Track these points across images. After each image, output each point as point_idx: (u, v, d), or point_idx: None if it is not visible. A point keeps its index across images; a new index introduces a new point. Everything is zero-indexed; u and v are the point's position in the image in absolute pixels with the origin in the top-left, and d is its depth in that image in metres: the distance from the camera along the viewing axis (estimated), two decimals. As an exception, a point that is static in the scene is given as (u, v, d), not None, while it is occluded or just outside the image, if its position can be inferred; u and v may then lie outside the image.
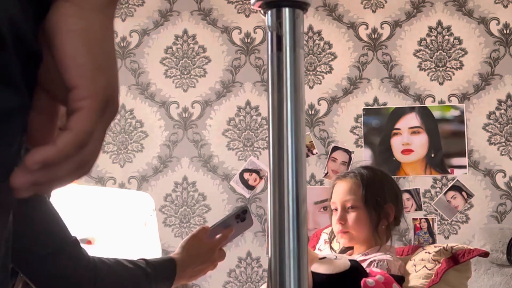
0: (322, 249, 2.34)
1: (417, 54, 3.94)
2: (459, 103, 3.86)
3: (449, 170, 3.81)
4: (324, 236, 2.39)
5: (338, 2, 4.01)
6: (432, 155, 3.83)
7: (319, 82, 3.98)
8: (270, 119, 0.79)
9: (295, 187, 0.77)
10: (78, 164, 0.57)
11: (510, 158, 3.80)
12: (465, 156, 3.81)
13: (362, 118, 3.91)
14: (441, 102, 3.88)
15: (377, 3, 4.00)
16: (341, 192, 2.18)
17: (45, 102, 0.59)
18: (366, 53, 3.97)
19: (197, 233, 1.71)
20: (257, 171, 3.95)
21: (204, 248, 1.69)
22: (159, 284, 1.61)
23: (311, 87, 3.98)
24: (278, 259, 0.76)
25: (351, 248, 2.21)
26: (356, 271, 1.92)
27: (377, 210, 2.13)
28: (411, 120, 3.87)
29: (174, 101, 4.06)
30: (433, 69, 3.92)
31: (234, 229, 1.70)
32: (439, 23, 3.95)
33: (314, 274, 1.90)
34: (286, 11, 0.79)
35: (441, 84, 3.90)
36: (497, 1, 3.91)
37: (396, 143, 3.86)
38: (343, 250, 2.23)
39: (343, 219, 2.14)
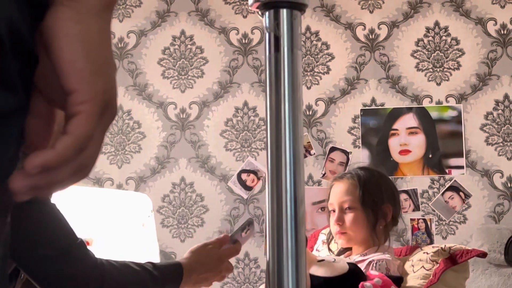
0: (320, 249, 2.35)
1: (415, 55, 3.95)
2: (456, 103, 3.87)
3: (446, 171, 3.81)
4: (322, 237, 2.39)
5: (335, 3, 4.02)
6: (430, 156, 3.83)
7: (316, 82, 3.99)
8: (268, 120, 0.79)
9: (293, 188, 0.77)
10: (77, 167, 0.57)
11: (508, 158, 3.80)
12: (462, 156, 3.81)
13: (359, 119, 3.91)
14: (439, 102, 3.88)
15: (375, 4, 4.00)
16: (338, 193, 2.18)
17: (42, 106, 0.59)
18: (364, 53, 3.97)
19: (211, 242, 1.74)
20: (255, 172, 3.95)
21: (213, 257, 1.71)
22: (165, 287, 1.62)
23: (308, 88, 3.98)
24: (276, 260, 0.76)
25: (350, 249, 2.22)
26: (354, 274, 1.93)
27: (374, 210, 2.13)
28: (409, 120, 3.87)
29: (171, 102, 4.06)
30: (431, 70, 3.92)
31: (241, 242, 1.76)
32: (437, 23, 3.95)
33: (312, 277, 1.90)
34: (283, 12, 0.79)
35: (438, 84, 3.90)
36: (494, 2, 3.91)
37: (394, 144, 3.86)
38: (342, 251, 2.24)
39: (340, 220, 2.15)
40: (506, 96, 3.84)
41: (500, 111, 3.84)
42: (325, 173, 3.89)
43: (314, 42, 4.02)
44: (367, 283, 1.87)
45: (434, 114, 3.86)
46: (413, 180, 3.83)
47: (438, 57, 3.92)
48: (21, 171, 0.54)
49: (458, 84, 3.89)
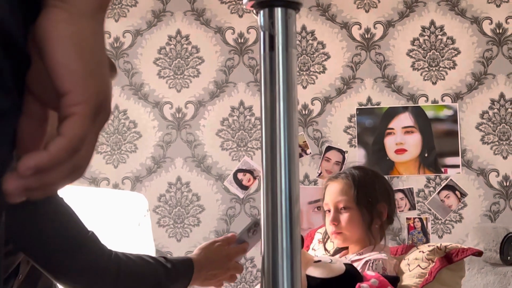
0: (316, 249, 2.35)
1: (410, 54, 3.95)
2: (452, 102, 3.87)
3: (442, 170, 3.82)
4: (318, 236, 2.39)
5: (331, 2, 4.02)
6: (426, 155, 3.83)
7: (312, 82, 3.99)
8: (263, 119, 0.79)
9: (288, 187, 0.77)
10: (71, 169, 0.57)
11: (503, 157, 3.81)
12: (458, 155, 3.81)
13: (355, 118, 3.91)
14: (434, 101, 3.88)
15: (370, 3, 4.00)
16: (333, 193, 2.18)
17: (35, 108, 0.59)
18: (359, 53, 3.98)
19: (220, 239, 1.77)
20: (251, 171, 3.95)
21: (221, 254, 1.74)
22: (177, 281, 1.64)
23: (304, 87, 3.98)
24: (271, 259, 0.76)
25: (346, 248, 2.22)
26: (351, 275, 1.93)
27: (369, 209, 2.13)
28: (405, 119, 3.88)
29: (167, 101, 4.05)
30: (426, 69, 3.92)
31: (248, 242, 1.78)
32: (432, 22, 3.96)
33: (309, 278, 1.90)
34: (278, 11, 0.79)
35: (434, 83, 3.91)
36: (489, 1, 3.92)
37: (390, 143, 3.86)
38: (338, 250, 2.24)
39: (336, 220, 2.15)
40: (501, 95, 3.85)
41: (495, 110, 3.84)
42: (321, 173, 3.89)
43: (310, 41, 4.02)
44: (364, 284, 1.87)
45: (430, 113, 3.87)
46: (409, 179, 3.84)
47: (434, 56, 3.93)
48: (14, 173, 0.54)
49: (454, 83, 3.89)
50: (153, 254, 2.50)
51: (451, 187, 3.81)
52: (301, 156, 3.90)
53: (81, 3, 0.57)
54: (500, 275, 3.31)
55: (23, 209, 1.27)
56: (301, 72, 3.99)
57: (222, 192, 3.95)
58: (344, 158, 3.89)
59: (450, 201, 3.80)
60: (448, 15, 3.95)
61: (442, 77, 3.91)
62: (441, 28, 3.95)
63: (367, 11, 4.00)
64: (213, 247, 1.74)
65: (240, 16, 4.08)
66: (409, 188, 3.82)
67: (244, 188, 3.93)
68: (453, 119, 3.85)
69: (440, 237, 3.77)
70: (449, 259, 2.07)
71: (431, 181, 3.82)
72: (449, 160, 3.82)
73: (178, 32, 4.11)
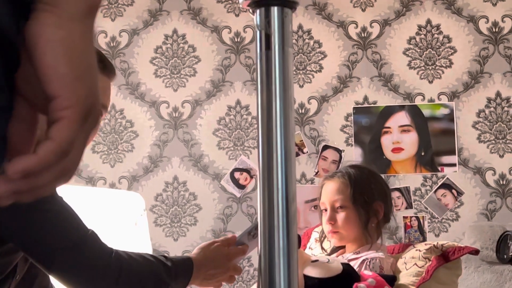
0: (313, 247, 2.35)
1: (407, 53, 3.95)
2: (448, 101, 3.87)
3: (439, 168, 3.82)
4: (315, 235, 2.39)
5: (327, 1, 4.02)
6: (422, 153, 3.84)
7: (309, 81, 3.99)
8: (259, 118, 0.79)
9: (284, 185, 0.77)
10: (60, 172, 0.57)
11: (500, 155, 3.82)
12: (455, 154, 3.82)
13: (352, 117, 3.92)
14: (431, 100, 3.89)
15: (367, 2, 4.00)
16: (329, 192, 2.18)
17: (24, 111, 0.59)
18: (356, 52, 3.98)
19: (219, 240, 1.78)
20: (247, 170, 3.95)
21: (220, 254, 1.75)
22: (177, 280, 1.64)
23: (301, 86, 3.98)
24: (268, 258, 0.76)
25: (343, 247, 2.22)
26: (348, 275, 1.93)
27: (366, 208, 2.13)
28: (401, 118, 3.88)
29: (164, 100, 4.05)
30: (423, 68, 3.93)
31: (248, 245, 1.79)
32: (428, 21, 3.96)
33: (306, 277, 1.90)
34: (274, 10, 0.79)
35: (430, 82, 3.91)
36: (485, 0, 3.92)
37: (386, 142, 3.87)
38: (334, 249, 2.24)
39: (332, 219, 2.15)
40: (498, 94, 3.85)
41: (492, 109, 3.85)
42: (318, 171, 3.89)
43: (307, 40, 4.02)
44: (361, 284, 1.87)
45: (426, 112, 3.87)
46: (405, 178, 3.84)
47: (430, 55, 3.93)
48: (3, 176, 0.54)
49: (450, 82, 3.90)
50: (150, 253, 2.50)
51: (447, 185, 3.81)
52: (297, 155, 3.90)
53: (70, 7, 0.57)
54: (496, 273, 3.32)
55: (23, 208, 1.27)
56: (298, 71, 3.99)
57: (219, 191, 3.95)
58: (341, 157, 3.89)
59: (446, 199, 3.81)
60: (444, 14, 3.95)
61: (439, 76, 3.91)
62: (438, 27, 3.95)
63: (363, 10, 4.00)
64: (212, 246, 1.75)
65: (237, 15, 4.08)
66: (406, 187, 3.83)
67: (241, 187, 3.93)
68: (450, 117, 3.86)
69: (437, 235, 3.77)
70: (446, 257, 2.07)
71: (427, 179, 3.82)
72: (446, 159, 3.83)
73: (175, 31, 4.11)
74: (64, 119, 0.56)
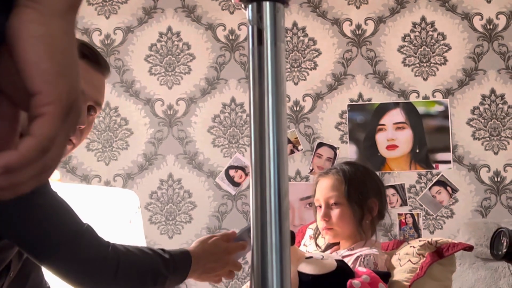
0: (307, 244, 2.35)
1: (401, 50, 3.95)
2: (443, 98, 3.88)
3: (433, 165, 3.83)
4: (310, 232, 2.39)
5: (322, -2, 4.02)
6: (417, 151, 3.84)
7: (303, 78, 3.99)
8: (252, 114, 0.79)
9: (277, 182, 0.77)
10: (40, 169, 0.57)
11: (494, 153, 3.82)
12: (449, 151, 3.82)
13: (347, 114, 3.92)
14: (426, 97, 3.89)
15: (361, -1, 4.00)
16: (324, 189, 2.18)
17: (6, 108, 0.59)
18: (351, 49, 3.98)
19: (218, 235, 1.78)
20: (242, 168, 3.95)
21: (219, 248, 1.75)
22: (176, 272, 1.64)
23: (295, 84, 3.98)
24: (260, 254, 0.76)
25: (337, 243, 2.22)
26: (342, 272, 1.93)
27: (360, 205, 2.13)
28: (396, 115, 3.88)
29: (158, 98, 4.05)
30: (417, 65, 3.93)
31: (248, 243, 1.78)
32: (423, 18, 3.96)
33: (301, 274, 1.90)
34: (266, 5, 0.79)
35: (425, 79, 3.91)
36: (480, -3, 3.93)
37: (381, 139, 3.87)
38: (329, 246, 2.24)
39: (327, 216, 2.15)
40: (492, 91, 3.86)
41: (486, 106, 3.85)
42: (312, 169, 3.90)
43: (301, 37, 4.02)
44: (356, 281, 1.87)
45: (421, 109, 3.88)
46: (400, 175, 3.84)
47: (425, 52, 3.94)
48: None
49: (445, 79, 3.90)
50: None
51: (442, 182, 3.82)
52: (292, 152, 3.90)
53: (52, 4, 0.56)
54: (491, 270, 3.33)
55: (17, 203, 1.26)
56: (292, 69, 3.99)
57: (214, 189, 3.95)
58: (335, 154, 3.89)
59: (441, 196, 3.81)
60: (439, 11, 3.95)
61: (433, 73, 3.91)
62: (432, 24, 3.95)
63: (358, 7, 4.00)
64: (210, 240, 1.75)
65: (231, 13, 4.07)
66: (401, 184, 3.83)
67: (236, 184, 3.93)
68: (444, 115, 3.86)
69: (432, 232, 3.78)
70: (440, 254, 2.08)
71: (422, 177, 3.83)
72: (440, 156, 3.83)
73: (169, 29, 4.10)
74: (45, 115, 0.55)
